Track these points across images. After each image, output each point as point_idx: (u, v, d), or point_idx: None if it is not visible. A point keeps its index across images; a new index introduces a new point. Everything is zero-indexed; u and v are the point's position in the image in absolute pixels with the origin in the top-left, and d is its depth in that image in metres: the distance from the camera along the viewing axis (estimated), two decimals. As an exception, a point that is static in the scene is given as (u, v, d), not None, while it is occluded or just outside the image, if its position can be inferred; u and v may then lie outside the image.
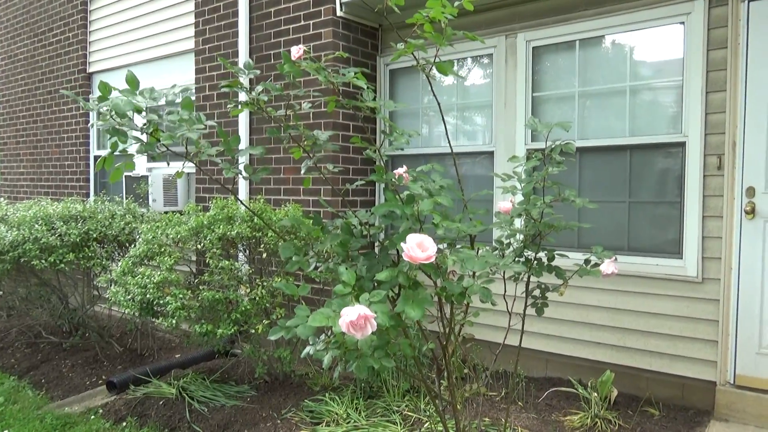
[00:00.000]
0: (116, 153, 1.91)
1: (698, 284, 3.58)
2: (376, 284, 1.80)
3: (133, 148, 1.91)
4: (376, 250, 2.16)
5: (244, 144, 5.01)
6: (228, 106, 2.04)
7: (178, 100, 1.99)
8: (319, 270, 2.06)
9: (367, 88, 1.95)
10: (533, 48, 4.22)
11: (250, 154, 5.05)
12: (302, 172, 2.10)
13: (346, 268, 1.50)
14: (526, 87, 4.23)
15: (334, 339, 1.56)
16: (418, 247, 1.50)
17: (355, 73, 1.94)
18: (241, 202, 2.59)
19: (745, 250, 3.42)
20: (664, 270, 3.69)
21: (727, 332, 3.48)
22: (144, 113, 1.79)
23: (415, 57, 2.23)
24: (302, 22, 4.79)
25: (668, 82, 3.71)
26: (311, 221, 2.09)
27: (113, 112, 1.67)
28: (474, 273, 1.76)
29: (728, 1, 3.43)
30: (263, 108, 2.12)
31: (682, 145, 3.63)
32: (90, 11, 7.14)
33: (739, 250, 3.44)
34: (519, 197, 3.26)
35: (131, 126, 1.81)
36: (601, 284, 3.90)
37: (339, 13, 4.62)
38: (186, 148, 1.96)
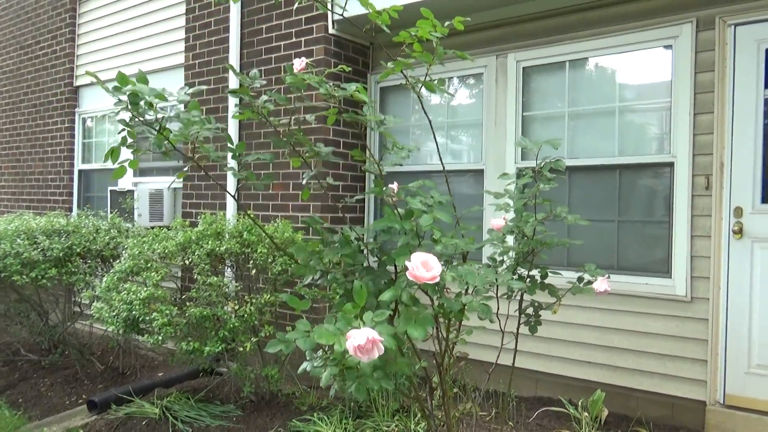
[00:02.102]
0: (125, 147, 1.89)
1: (687, 303, 3.60)
2: (376, 301, 1.77)
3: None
4: (373, 265, 2.13)
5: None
6: (232, 112, 2.04)
7: (183, 101, 1.97)
8: (317, 282, 2.03)
9: (370, 102, 1.94)
10: (523, 68, 4.27)
11: (239, 164, 5.04)
12: (303, 182, 2.09)
13: (361, 286, 1.47)
14: (516, 106, 4.27)
15: (333, 356, 1.52)
16: (423, 267, 1.48)
17: (357, 88, 1.94)
18: (251, 218, 2.55)
19: (734, 269, 3.45)
20: (653, 289, 3.71)
21: (717, 351, 3.49)
22: (155, 110, 1.78)
23: (404, 75, 2.23)
24: (294, 39, 4.80)
25: (657, 103, 3.76)
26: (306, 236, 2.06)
27: (128, 103, 1.65)
28: (473, 289, 1.74)
29: (715, 26, 3.51)
30: (265, 117, 2.11)
31: (671, 165, 3.67)
32: (78, 25, 7.10)
33: (727, 270, 3.47)
34: (511, 215, 3.26)
35: (145, 118, 1.79)
36: (590, 303, 3.90)
37: (331, 30, 4.64)
38: (192, 150, 1.94)
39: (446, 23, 1.99)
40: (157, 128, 1.78)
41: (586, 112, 4.04)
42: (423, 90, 4.90)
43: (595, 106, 4.01)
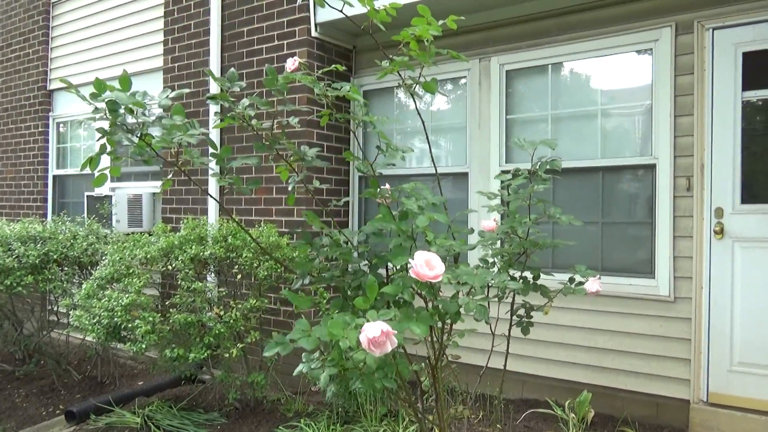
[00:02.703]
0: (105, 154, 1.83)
1: (670, 303, 3.65)
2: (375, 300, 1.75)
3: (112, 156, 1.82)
4: (364, 268, 2.11)
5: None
6: (212, 120, 1.99)
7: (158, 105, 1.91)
8: (306, 285, 2.00)
9: (365, 103, 1.93)
10: (507, 71, 4.30)
11: (221, 169, 4.97)
12: (290, 187, 2.05)
13: (373, 281, 1.44)
14: (500, 109, 4.29)
15: (331, 357, 1.50)
16: (426, 265, 1.47)
17: (350, 88, 1.92)
18: (236, 222, 2.50)
19: (715, 269, 3.51)
20: (637, 289, 3.75)
21: (700, 350, 3.55)
22: (136, 116, 1.72)
23: (400, 75, 2.22)
24: (276, 42, 4.76)
25: (638, 105, 3.82)
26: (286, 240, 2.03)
27: (106, 110, 1.59)
28: (470, 291, 1.73)
29: (694, 29, 3.58)
30: (248, 122, 2.07)
31: (653, 167, 3.72)
32: (52, 27, 6.95)
33: (709, 270, 3.53)
34: (493, 215, 3.27)
35: (126, 126, 1.73)
36: (575, 304, 3.93)
37: (314, 33, 4.62)
38: (177, 155, 1.89)
39: (440, 22, 1.98)
40: (139, 135, 1.73)
41: (569, 114, 4.08)
42: (401, 94, 4.90)
43: (577, 108, 4.05)
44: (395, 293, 1.56)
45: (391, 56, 2.16)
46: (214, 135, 5.07)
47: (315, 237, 2.34)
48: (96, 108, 1.77)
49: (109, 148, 1.84)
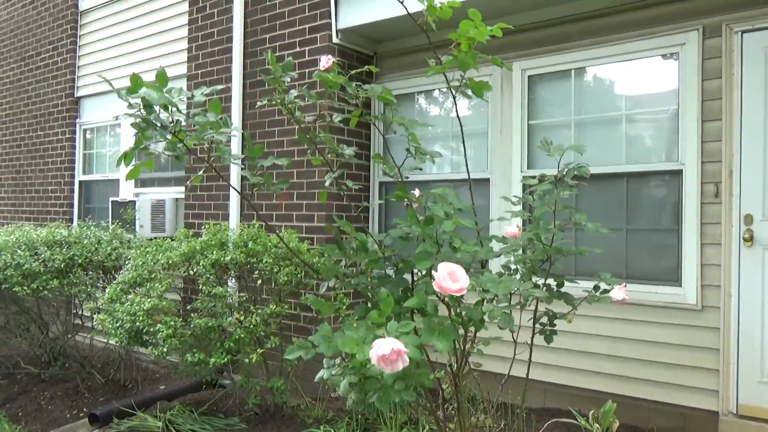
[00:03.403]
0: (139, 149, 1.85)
1: (698, 312, 3.56)
2: (399, 310, 1.73)
3: (154, 148, 1.85)
4: (390, 272, 2.10)
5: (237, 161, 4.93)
6: (259, 103, 2.04)
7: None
8: (333, 287, 1.99)
9: (394, 105, 1.92)
10: (529, 76, 4.26)
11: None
12: (327, 183, 2.06)
13: (387, 294, 1.43)
14: (522, 115, 4.25)
15: (353, 365, 1.48)
16: (450, 278, 1.44)
17: (382, 90, 1.92)
18: (277, 234, 2.51)
19: (745, 277, 3.42)
20: (662, 298, 3.67)
21: (729, 361, 3.45)
22: (170, 112, 1.75)
23: (445, 77, 2.19)
24: (298, 49, 4.79)
25: (664, 110, 3.75)
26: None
27: (142, 106, 1.62)
28: (494, 298, 1.70)
29: (722, 33, 3.50)
30: (293, 113, 2.08)
31: (679, 173, 3.65)
32: (80, 36, 7.09)
33: (738, 278, 3.44)
34: (516, 221, 3.23)
35: (159, 122, 1.75)
36: (599, 312, 3.86)
37: (335, 40, 4.64)
38: (208, 152, 1.91)
39: (490, 27, 1.96)
40: (172, 131, 1.75)
41: (593, 120, 4.03)
42: (423, 101, 4.88)
43: (601, 114, 3.99)
44: (418, 305, 1.54)
45: (439, 57, 2.13)
46: (236, 143, 5.10)
47: (334, 242, 2.33)
48: (130, 104, 1.80)
49: (144, 143, 1.87)
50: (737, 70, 3.46)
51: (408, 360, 1.30)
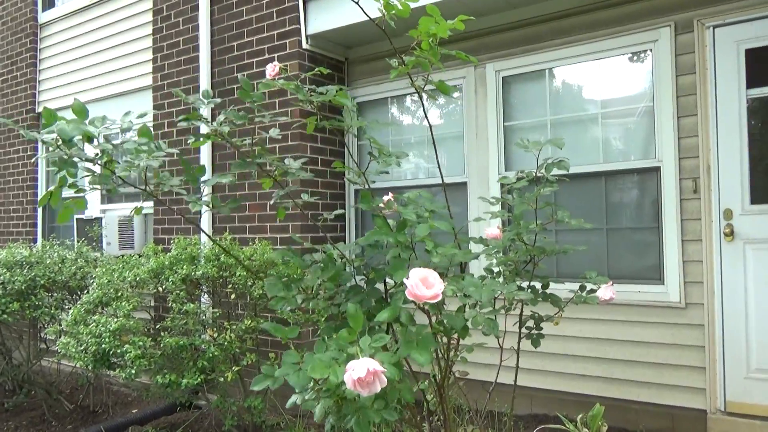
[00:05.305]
0: (66, 188, 1.68)
1: (681, 310, 3.52)
2: (368, 321, 1.61)
3: (85, 183, 1.68)
4: (361, 283, 1.98)
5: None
6: (188, 141, 1.86)
7: (134, 128, 1.78)
8: (300, 305, 1.86)
9: (352, 107, 1.80)
10: (503, 78, 4.20)
11: (213, 188, 4.82)
12: (272, 201, 1.93)
13: (356, 309, 1.31)
14: (497, 117, 4.19)
15: (326, 387, 1.36)
16: (423, 284, 1.33)
17: (336, 92, 1.80)
18: (210, 237, 2.37)
19: (727, 273, 3.38)
20: (646, 297, 3.62)
21: (714, 358, 3.41)
22: (96, 142, 1.58)
23: (410, 77, 2.08)
24: (266, 56, 4.67)
25: (639, 108, 3.72)
26: (293, 255, 1.90)
27: (59, 141, 1.45)
28: (477, 304, 1.60)
29: (694, 28, 3.49)
30: (227, 139, 1.94)
31: (657, 170, 3.61)
32: (40, 49, 6.85)
33: (720, 274, 3.40)
34: (496, 222, 3.12)
35: (81, 156, 1.59)
36: (583, 314, 3.79)
37: (305, 45, 4.53)
38: (145, 180, 1.75)
39: (449, 21, 1.85)
40: (102, 163, 1.59)
41: (569, 119, 3.98)
42: (396, 107, 4.80)
43: (577, 113, 3.95)
44: (390, 319, 1.42)
45: (402, 57, 2.02)
46: (206, 153, 4.95)
47: (309, 253, 2.20)
48: (43, 141, 1.62)
49: (70, 180, 1.68)
50: (710, 64, 3.44)
51: (386, 380, 1.18)
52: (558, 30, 3.96)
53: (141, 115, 1.72)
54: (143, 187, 1.86)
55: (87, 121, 1.58)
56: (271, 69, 1.91)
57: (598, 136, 3.85)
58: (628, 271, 3.75)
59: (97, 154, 1.66)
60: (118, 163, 1.66)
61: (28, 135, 1.55)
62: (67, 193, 1.73)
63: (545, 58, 4.00)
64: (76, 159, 1.53)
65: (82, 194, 1.66)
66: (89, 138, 1.53)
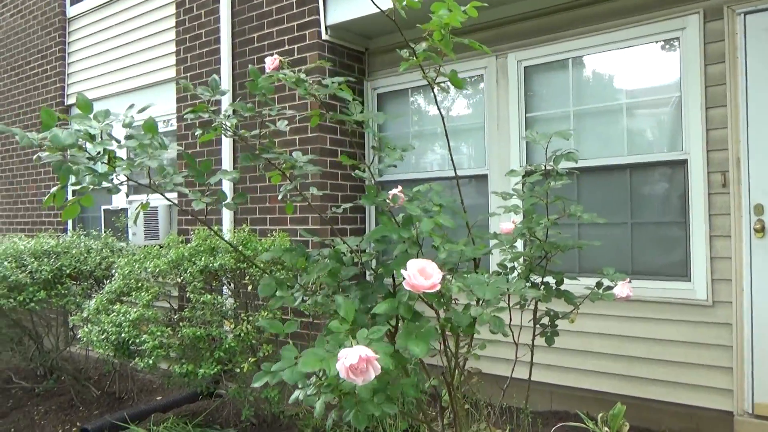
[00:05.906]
0: (70, 185, 1.68)
1: (709, 308, 3.40)
2: (371, 317, 1.59)
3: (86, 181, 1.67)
4: (370, 278, 1.95)
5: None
6: (196, 133, 1.85)
7: (136, 123, 1.76)
8: (306, 302, 1.85)
9: (353, 100, 1.77)
10: (525, 68, 4.11)
11: (233, 181, 4.84)
12: (279, 197, 1.91)
13: (344, 301, 1.29)
14: (519, 107, 4.10)
15: (327, 381, 1.34)
16: (421, 274, 1.30)
17: (339, 84, 1.76)
18: (217, 234, 2.38)
19: (757, 270, 3.26)
20: (671, 294, 3.51)
21: (742, 358, 3.29)
22: (97, 140, 1.57)
23: (422, 69, 2.04)
24: (286, 47, 4.66)
25: (666, 98, 3.59)
26: (293, 251, 1.88)
27: (52, 145, 1.44)
28: (483, 301, 1.56)
29: (723, 15, 3.35)
30: (234, 131, 1.93)
31: (684, 162, 3.49)
32: (68, 43, 6.99)
33: (750, 271, 3.27)
34: (519, 217, 3.06)
35: (77, 161, 1.58)
36: (604, 310, 3.70)
37: (324, 36, 4.50)
38: (149, 177, 1.75)
39: (463, 8, 1.80)
40: (106, 161, 1.58)
41: (593, 110, 3.87)
42: (418, 97, 4.74)
43: (601, 104, 3.84)
44: (388, 311, 1.39)
45: (413, 47, 1.97)
46: (227, 149, 4.98)
47: (322, 247, 2.19)
48: (39, 144, 1.62)
49: (73, 179, 1.68)
50: (741, 53, 3.30)
51: (380, 368, 1.16)
52: (581, 18, 3.85)
53: (142, 110, 1.71)
54: (149, 184, 1.87)
55: (91, 116, 1.58)
56: (271, 62, 1.89)
57: (623, 128, 3.74)
58: (652, 267, 3.65)
59: (98, 153, 1.66)
60: (121, 159, 1.66)
61: (25, 140, 1.54)
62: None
63: (568, 47, 3.89)
64: (70, 164, 1.52)
65: (86, 190, 1.67)
66: (90, 136, 1.53)
